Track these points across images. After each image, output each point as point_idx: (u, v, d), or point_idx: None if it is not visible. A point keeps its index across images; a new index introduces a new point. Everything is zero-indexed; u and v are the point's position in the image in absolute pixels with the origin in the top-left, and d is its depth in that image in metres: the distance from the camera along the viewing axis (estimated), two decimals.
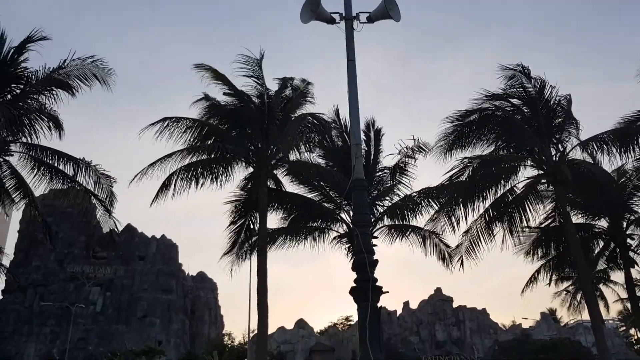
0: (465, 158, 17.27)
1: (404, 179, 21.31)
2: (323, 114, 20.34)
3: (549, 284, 23.01)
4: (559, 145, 17.96)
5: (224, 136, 19.23)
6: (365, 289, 7.85)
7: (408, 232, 20.93)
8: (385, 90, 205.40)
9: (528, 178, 17.84)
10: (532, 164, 17.76)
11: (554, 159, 17.50)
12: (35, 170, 17.40)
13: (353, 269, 8.29)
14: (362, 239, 8.11)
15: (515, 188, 17.92)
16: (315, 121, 19.87)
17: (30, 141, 17.16)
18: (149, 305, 66.25)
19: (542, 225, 20.06)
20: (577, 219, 20.26)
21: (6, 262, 24.76)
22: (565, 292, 32.44)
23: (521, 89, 17.73)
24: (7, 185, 18.02)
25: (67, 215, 65.59)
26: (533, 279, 22.43)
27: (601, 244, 21.10)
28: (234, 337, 66.96)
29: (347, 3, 9.14)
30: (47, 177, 17.48)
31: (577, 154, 17.87)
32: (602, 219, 20.57)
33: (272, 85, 20.09)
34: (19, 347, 61.02)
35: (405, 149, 20.91)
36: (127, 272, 67.85)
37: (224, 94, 19.20)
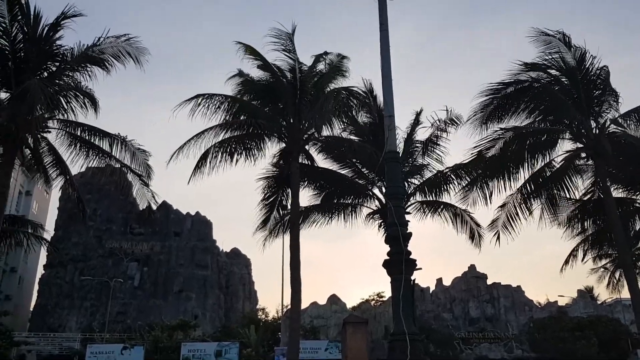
0: (500, 129, 16.84)
1: (435, 152, 21.03)
2: (355, 87, 20.06)
3: (586, 261, 22.55)
4: (599, 118, 17.40)
5: (257, 112, 19.20)
6: (399, 262, 7.80)
7: (440, 209, 20.70)
8: (420, 62, 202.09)
9: (567, 152, 17.37)
10: (571, 137, 17.24)
11: (593, 131, 16.97)
12: (72, 147, 17.72)
13: (386, 241, 8.23)
14: (395, 212, 8.04)
15: (553, 162, 17.48)
16: (348, 95, 19.64)
17: (66, 118, 17.46)
18: (185, 280, 67.57)
19: (583, 199, 19.53)
20: (617, 193, 19.68)
21: (47, 238, 25.51)
22: (602, 269, 31.74)
23: (559, 59, 17.15)
24: (45, 162, 18.44)
25: (105, 192, 67.06)
26: (572, 256, 21.96)
27: None
28: (268, 311, 67.83)
29: None
30: (84, 153, 17.79)
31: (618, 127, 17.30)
32: None
33: (309, 61, 19.96)
34: (62, 320, 63.08)
35: (437, 121, 20.54)
36: (163, 248, 69.18)
37: (258, 67, 19.15)
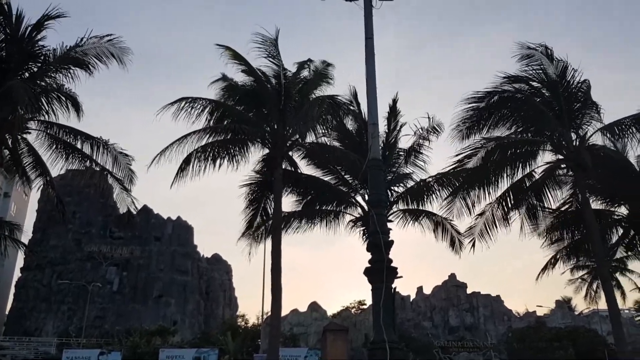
0: (482, 138, 17.00)
1: (418, 161, 21.17)
2: (340, 95, 20.16)
3: (564, 272, 22.80)
4: (580, 130, 17.62)
5: (241, 117, 19.14)
6: (380, 270, 7.82)
7: (421, 217, 20.82)
8: (404, 71, 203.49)
9: (547, 163, 17.56)
10: (552, 148, 17.43)
11: (574, 143, 17.18)
12: (53, 148, 17.46)
13: (368, 249, 8.24)
14: (377, 220, 8.06)
15: (533, 173, 17.65)
16: (333, 103, 19.70)
17: (47, 119, 17.24)
18: (164, 285, 67.03)
19: (561, 210, 19.74)
20: (595, 205, 19.93)
21: (25, 240, 25.06)
22: (580, 280, 32.14)
23: (541, 71, 17.38)
24: (24, 163, 18.16)
25: (85, 195, 66.38)
26: (549, 265, 22.17)
27: (620, 231, 20.77)
28: (248, 318, 67.52)
29: None
30: (64, 156, 17.53)
31: (598, 140, 17.55)
32: (622, 206, 20.22)
33: (293, 68, 19.98)
34: (38, 324, 62.17)
35: (420, 129, 20.69)
36: (143, 253, 68.59)
37: (242, 71, 19.12)
